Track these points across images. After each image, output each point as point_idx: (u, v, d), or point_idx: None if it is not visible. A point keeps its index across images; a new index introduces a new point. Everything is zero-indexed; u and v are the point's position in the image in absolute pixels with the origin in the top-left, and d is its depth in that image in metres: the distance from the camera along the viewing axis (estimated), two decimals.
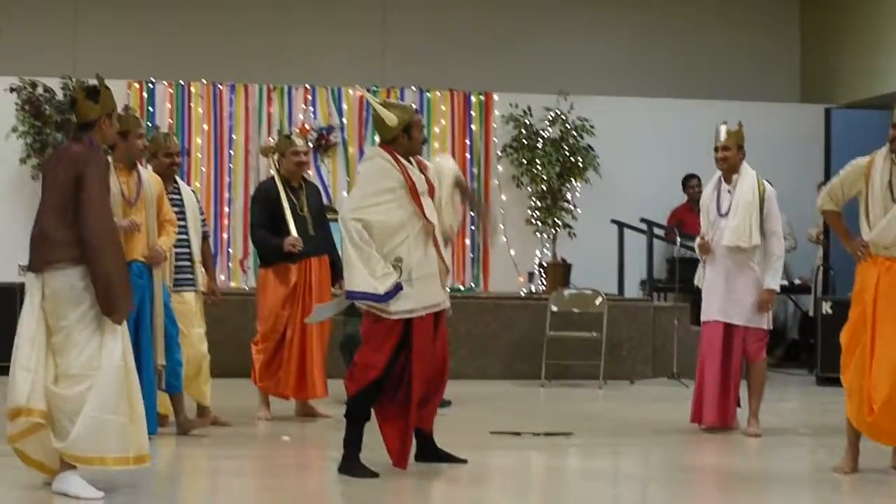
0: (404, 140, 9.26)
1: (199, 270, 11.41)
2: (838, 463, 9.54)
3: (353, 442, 9.14)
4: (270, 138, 13.91)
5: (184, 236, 11.17)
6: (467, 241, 17.93)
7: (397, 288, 8.93)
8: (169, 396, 10.78)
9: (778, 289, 11.42)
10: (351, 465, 9.10)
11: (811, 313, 16.71)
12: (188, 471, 10.04)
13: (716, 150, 11.41)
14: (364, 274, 8.92)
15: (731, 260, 11.23)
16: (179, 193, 11.31)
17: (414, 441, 9.41)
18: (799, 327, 18.10)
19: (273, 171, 12.13)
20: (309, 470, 10.14)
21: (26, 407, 8.19)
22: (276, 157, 12.14)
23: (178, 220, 11.04)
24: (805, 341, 17.57)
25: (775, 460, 10.46)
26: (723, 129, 11.40)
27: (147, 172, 10.65)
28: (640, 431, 11.74)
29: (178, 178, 11.45)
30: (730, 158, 11.32)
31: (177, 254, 11.11)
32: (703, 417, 11.33)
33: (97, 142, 8.47)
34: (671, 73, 19.17)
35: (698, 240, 11.52)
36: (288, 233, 11.73)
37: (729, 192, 11.32)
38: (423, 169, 9.35)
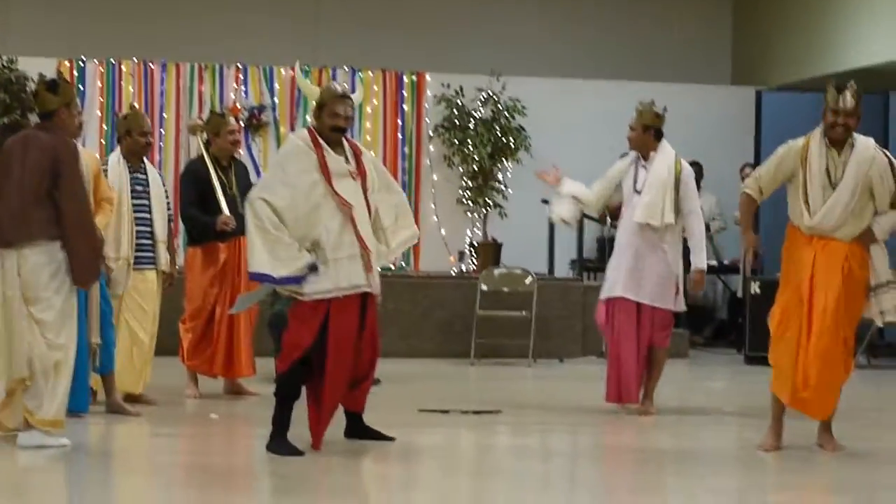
0: (315, 119, 9.26)
1: (163, 250, 11.37)
2: (762, 440, 9.60)
3: (280, 420, 9.11)
4: (200, 117, 13.82)
5: (146, 215, 11.21)
6: None
7: (310, 270, 8.92)
8: (101, 376, 10.72)
9: (705, 267, 11.42)
10: (278, 442, 9.07)
11: (740, 294, 16.80)
12: (118, 449, 9.99)
13: (631, 129, 11.36)
14: (263, 255, 8.91)
15: (641, 238, 11.10)
16: (145, 174, 11.34)
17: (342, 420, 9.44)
18: (728, 307, 18.19)
19: (202, 150, 12.07)
20: (237, 447, 10.12)
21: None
22: (204, 135, 12.07)
23: (142, 199, 11.18)
24: (733, 321, 17.67)
25: (702, 438, 10.52)
26: (640, 108, 11.35)
27: (84, 151, 10.57)
28: (568, 410, 11.77)
29: (144, 159, 11.41)
30: (634, 139, 11.26)
31: (138, 233, 11.11)
32: (623, 397, 11.17)
33: (60, 129, 9.13)
34: (604, 55, 19.21)
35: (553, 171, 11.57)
36: (220, 211, 11.67)
37: (644, 168, 11.22)
38: (356, 153, 9.31)
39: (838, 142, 9.37)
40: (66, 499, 7.90)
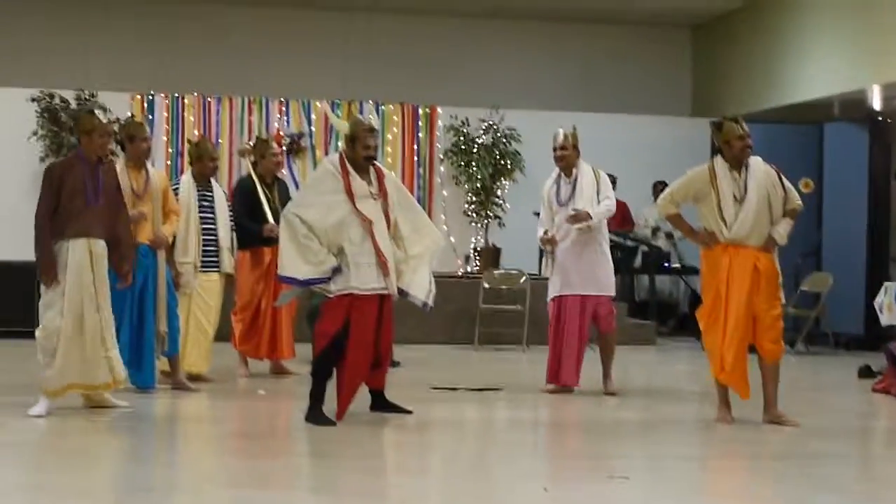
0: (349, 149, 9.24)
1: (227, 255, 11.39)
2: (717, 414, 9.60)
3: (315, 395, 9.15)
4: (248, 143, 13.84)
5: (212, 226, 11.26)
6: None
7: (334, 272, 8.98)
8: (167, 358, 10.75)
9: (592, 214, 11.01)
10: (314, 414, 9.10)
11: (699, 291, 16.76)
12: (181, 419, 9.99)
13: (555, 150, 11.18)
14: (292, 261, 9.01)
15: (580, 240, 11.00)
16: (212, 191, 11.37)
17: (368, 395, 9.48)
18: (689, 303, 18.16)
19: (251, 170, 12.09)
20: (279, 418, 10.11)
21: None
22: (252, 157, 12.11)
23: (208, 213, 11.24)
24: (694, 315, 17.60)
25: (667, 412, 10.48)
26: (560, 132, 11.18)
27: (154, 170, 10.66)
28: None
29: (211, 179, 11.45)
30: (567, 157, 11.12)
31: (204, 241, 11.16)
32: (562, 379, 11.05)
33: (83, 152, 9.25)
34: (583, 91, 19.25)
35: (542, 235, 11.24)
36: (265, 221, 11.70)
37: (568, 184, 11.08)
38: (379, 177, 9.30)
39: (739, 163, 9.44)
40: (134, 461, 7.89)
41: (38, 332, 9.17)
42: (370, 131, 9.28)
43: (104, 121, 9.30)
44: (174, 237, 10.82)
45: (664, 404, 10.92)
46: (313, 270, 9.00)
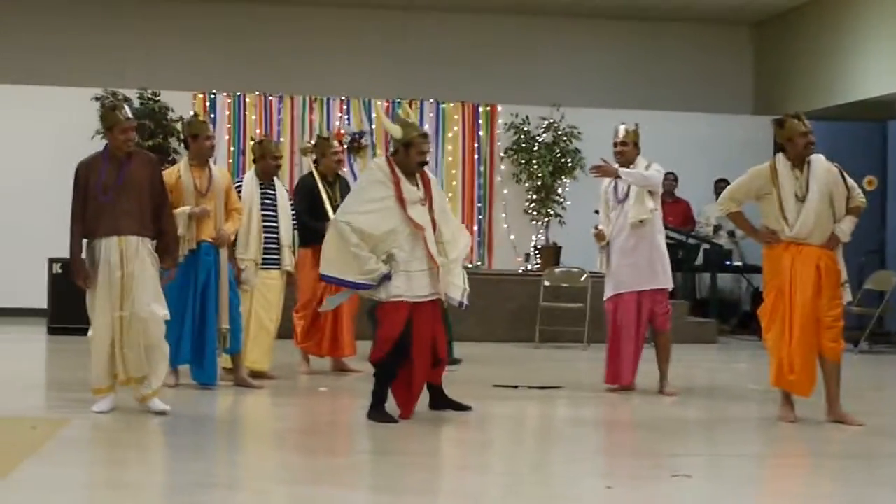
0: (402, 154, 9.21)
1: (288, 253, 11.45)
2: (780, 413, 9.55)
3: (378, 395, 9.19)
4: (310, 141, 13.88)
5: (274, 224, 11.30)
6: (475, 228, 17.92)
7: (384, 279, 8.96)
8: (230, 356, 10.81)
9: (652, 176, 10.99)
10: (376, 411, 9.12)
11: (761, 289, 16.65)
12: (244, 416, 10.05)
13: (615, 145, 11.10)
14: (338, 265, 9.00)
15: (636, 235, 10.91)
16: (274, 190, 11.41)
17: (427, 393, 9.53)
18: (751, 300, 18.05)
19: (313, 168, 12.13)
20: (340, 416, 10.14)
21: None
22: (314, 155, 12.16)
23: (270, 211, 11.27)
24: (756, 313, 17.50)
25: (728, 411, 10.43)
26: (622, 127, 11.12)
27: (217, 168, 10.74)
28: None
29: (274, 178, 11.49)
30: (627, 153, 11.03)
31: (266, 238, 11.20)
32: (622, 379, 11.00)
33: (109, 149, 9.16)
34: (645, 89, 19.16)
35: (593, 230, 11.22)
36: (327, 218, 11.71)
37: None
38: (425, 182, 9.30)
39: (802, 160, 9.40)
40: (195, 458, 7.94)
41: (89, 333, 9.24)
42: (424, 137, 9.28)
43: (128, 116, 9.14)
44: (236, 235, 10.88)
45: (726, 403, 10.86)
46: (361, 275, 9.00)
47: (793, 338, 9.34)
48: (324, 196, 11.83)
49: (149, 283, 9.09)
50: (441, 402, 9.63)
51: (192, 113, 16.78)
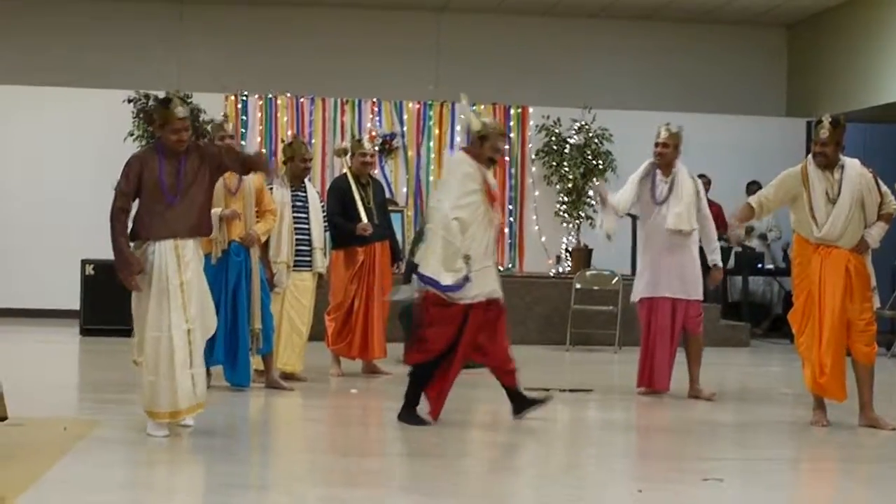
0: (477, 146, 9.18)
1: (319, 255, 11.48)
2: (813, 417, 9.54)
3: (412, 397, 9.18)
4: (345, 143, 13.91)
5: (305, 226, 11.33)
6: (506, 230, 17.95)
7: (464, 281, 8.89)
8: (261, 357, 10.85)
9: (721, 264, 11.26)
10: (409, 414, 9.14)
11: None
12: (275, 418, 10.09)
13: (656, 145, 10.96)
14: (440, 264, 8.89)
15: (672, 242, 10.84)
16: (305, 192, 11.46)
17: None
18: (782, 303, 18.02)
19: (346, 169, 12.18)
20: (371, 417, 10.17)
21: None
22: (348, 157, 12.21)
23: (301, 213, 11.30)
24: (787, 316, 17.46)
25: (761, 414, 10.42)
26: (664, 129, 11.00)
27: None
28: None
29: (305, 180, 11.52)
30: (667, 155, 10.92)
31: (297, 240, 11.24)
32: (654, 383, 10.96)
33: (162, 145, 8.52)
34: (677, 91, 19.14)
35: (598, 191, 11.27)
36: (359, 220, 11.78)
37: (665, 182, 10.92)
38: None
39: (828, 166, 9.40)
40: (228, 459, 7.97)
41: (134, 351, 8.59)
42: (503, 135, 9.34)
43: (183, 114, 8.50)
44: (269, 236, 10.93)
45: (758, 406, 10.85)
46: (452, 278, 8.91)
47: (822, 340, 9.32)
48: (356, 198, 11.87)
49: (205, 287, 8.60)
50: (524, 403, 9.49)
51: (222, 114, 16.86)
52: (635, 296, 11.16)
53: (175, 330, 8.28)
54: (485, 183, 9.06)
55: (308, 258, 11.39)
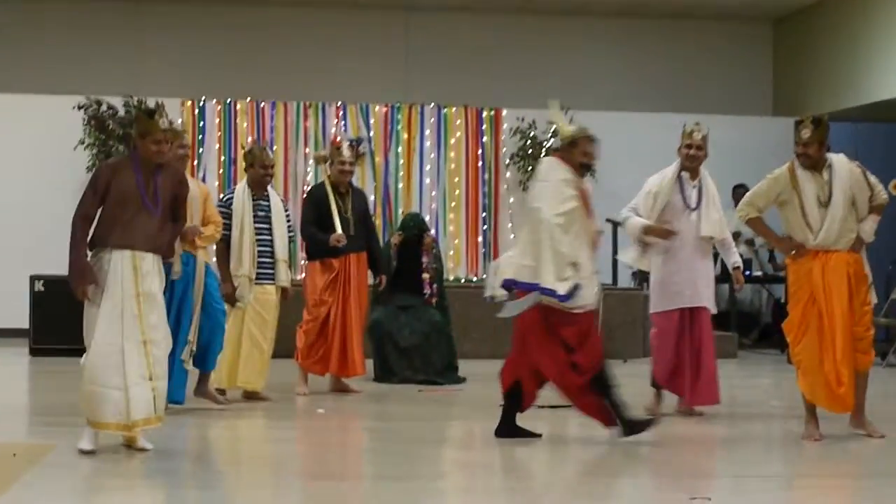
0: (568, 152, 9.34)
1: (283, 267, 11.43)
2: (805, 431, 9.56)
3: (613, 404, 9.38)
4: (325, 150, 13.84)
5: (267, 237, 11.29)
6: (479, 239, 17.93)
7: (576, 289, 9.03)
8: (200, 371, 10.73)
9: (741, 263, 11.22)
10: (637, 424, 9.35)
11: (783, 300, 16.68)
12: (238, 438, 10.05)
13: (689, 146, 10.77)
14: (550, 275, 9.01)
15: (699, 249, 10.77)
16: (268, 200, 11.42)
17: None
18: (771, 313, 18.08)
19: (325, 177, 12.20)
20: (341, 438, 10.14)
21: None
22: (327, 164, 12.22)
23: (264, 223, 11.29)
24: (777, 325, 17.46)
25: (751, 429, 10.43)
26: (696, 131, 10.81)
27: (193, 181, 10.60)
28: (631, 404, 11.70)
29: (268, 188, 11.50)
30: (700, 157, 10.81)
31: (260, 251, 11.19)
32: (704, 398, 10.75)
33: (139, 156, 8.66)
34: (658, 90, 19.18)
35: (665, 227, 10.70)
36: (334, 230, 11.78)
37: (694, 187, 10.82)
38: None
39: (815, 166, 9.47)
40: (184, 485, 7.94)
41: (82, 359, 8.64)
42: (594, 140, 9.40)
43: (165, 125, 8.68)
44: (227, 249, 10.91)
45: (748, 420, 10.88)
46: (563, 286, 9.03)
47: (836, 349, 9.35)
48: (333, 208, 11.88)
49: (162, 306, 8.74)
50: (508, 429, 9.54)
51: (179, 120, 16.83)
52: (661, 306, 10.84)
53: (128, 342, 8.42)
54: (580, 190, 9.16)
55: (271, 271, 11.36)
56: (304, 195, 12.64)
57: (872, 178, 9.60)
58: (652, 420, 9.34)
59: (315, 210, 11.94)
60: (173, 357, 10.06)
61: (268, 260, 11.31)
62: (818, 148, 9.47)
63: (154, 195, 8.63)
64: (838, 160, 9.53)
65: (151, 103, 16.40)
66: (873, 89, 17.08)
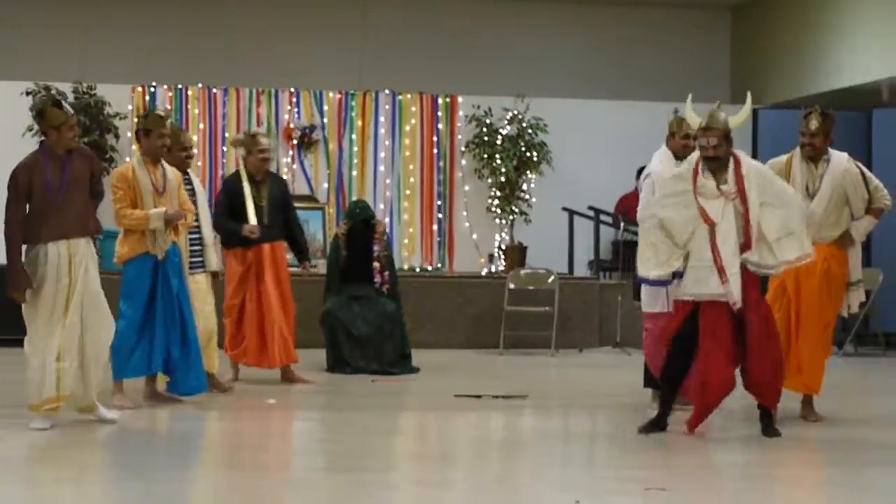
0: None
1: (211, 252, 11.30)
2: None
3: (665, 402, 9.44)
4: (241, 133, 13.60)
5: (196, 223, 11.10)
6: (434, 227, 17.90)
7: (675, 276, 9.17)
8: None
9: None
10: (655, 422, 9.40)
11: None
12: (188, 430, 9.98)
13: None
14: (646, 262, 9.25)
15: None
16: (191, 184, 11.18)
17: None
18: None
19: (240, 166, 12.09)
20: (291, 428, 10.09)
21: None
22: (243, 150, 12.08)
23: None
24: None
25: (708, 419, 10.43)
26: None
27: (169, 167, 10.53)
28: (587, 395, 11.74)
29: (189, 171, 11.31)
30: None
31: (191, 240, 11.01)
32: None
33: (50, 147, 9.07)
34: (615, 78, 19.17)
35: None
36: (247, 220, 11.68)
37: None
38: (738, 175, 9.18)
39: (814, 158, 9.72)
40: (140, 477, 7.88)
41: (25, 345, 9.07)
42: (704, 130, 9.34)
43: (70, 112, 9.20)
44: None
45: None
46: (659, 270, 9.18)
47: (799, 336, 9.65)
48: (247, 197, 11.76)
49: (98, 287, 9.15)
50: (769, 428, 9.36)
51: (129, 107, 16.73)
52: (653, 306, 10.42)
53: (58, 326, 8.93)
54: (695, 183, 9.20)
55: (200, 258, 11.11)
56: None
57: (875, 182, 9.86)
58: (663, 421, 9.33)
59: (228, 201, 11.85)
60: (189, 351, 10.07)
61: (196, 247, 11.00)
62: (823, 139, 9.74)
63: (75, 180, 9.04)
64: (837, 157, 9.81)
65: (101, 90, 16.60)
66: (832, 77, 17.11)
